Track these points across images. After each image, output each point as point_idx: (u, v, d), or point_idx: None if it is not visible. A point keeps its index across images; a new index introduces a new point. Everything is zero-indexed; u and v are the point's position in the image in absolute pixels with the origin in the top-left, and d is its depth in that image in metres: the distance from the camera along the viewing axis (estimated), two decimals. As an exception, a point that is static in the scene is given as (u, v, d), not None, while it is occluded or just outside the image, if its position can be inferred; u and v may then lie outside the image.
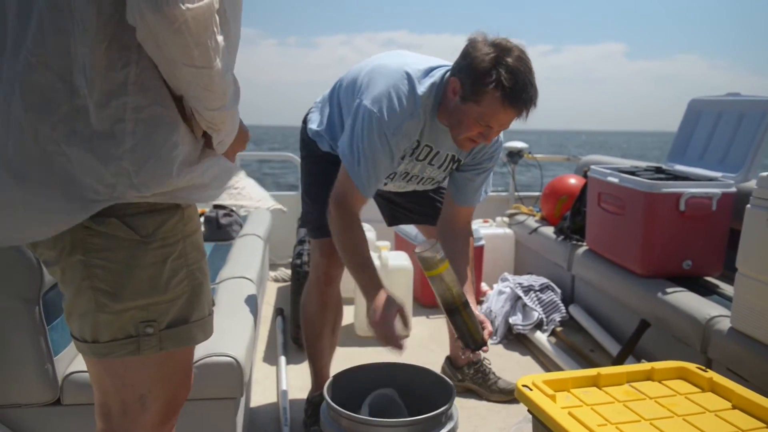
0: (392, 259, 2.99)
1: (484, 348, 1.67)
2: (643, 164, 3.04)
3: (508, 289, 3.06)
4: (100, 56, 0.87)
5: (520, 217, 3.73)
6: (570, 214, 3.19)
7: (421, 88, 1.68)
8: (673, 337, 2.21)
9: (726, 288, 2.37)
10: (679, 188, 2.35)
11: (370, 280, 1.71)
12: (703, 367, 1.47)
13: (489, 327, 1.70)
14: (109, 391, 1.05)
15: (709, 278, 2.51)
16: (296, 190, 4.35)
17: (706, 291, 2.34)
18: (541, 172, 4.04)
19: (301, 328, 2.15)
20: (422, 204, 2.16)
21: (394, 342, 1.58)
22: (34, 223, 0.92)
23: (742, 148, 2.58)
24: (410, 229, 3.42)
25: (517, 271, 3.66)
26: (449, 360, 2.46)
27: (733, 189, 2.40)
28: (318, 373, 2.12)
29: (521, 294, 2.99)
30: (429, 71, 1.71)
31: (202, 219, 3.57)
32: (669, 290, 2.29)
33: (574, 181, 3.45)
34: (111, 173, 0.89)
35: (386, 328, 1.59)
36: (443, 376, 1.64)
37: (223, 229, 3.33)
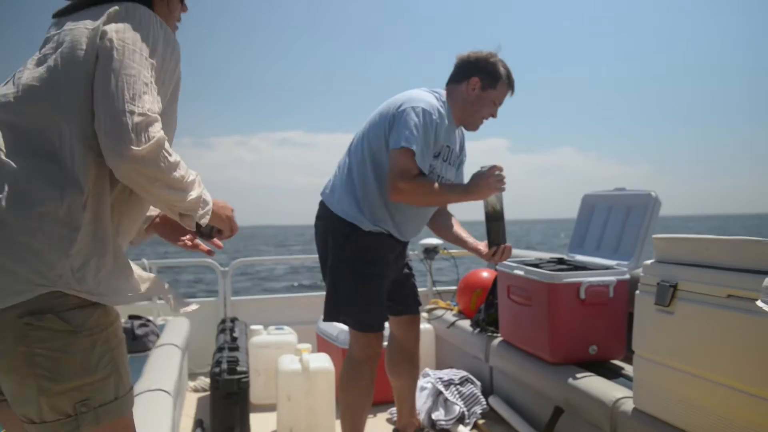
0: (314, 362, 2.97)
1: (508, 244, 2.39)
2: (546, 256, 3.22)
3: (429, 385, 3.09)
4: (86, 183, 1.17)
5: (439, 312, 3.82)
6: (484, 306, 3.29)
7: (437, 94, 2.37)
8: (585, 421, 2.29)
9: (630, 369, 2.49)
10: (579, 278, 2.51)
11: (458, 186, 2.40)
12: (609, 449, 1.54)
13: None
14: None
15: (614, 361, 2.63)
16: (216, 295, 4.29)
17: (612, 374, 2.45)
18: (456, 266, 4.17)
19: (348, 403, 2.43)
20: (407, 293, 2.60)
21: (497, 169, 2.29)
22: None
23: (631, 238, 2.80)
24: (331, 330, 3.43)
25: (439, 365, 3.70)
26: None
27: (627, 276, 2.59)
28: None
29: (442, 389, 3.02)
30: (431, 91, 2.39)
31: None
32: (578, 376, 2.39)
33: (486, 274, 3.58)
34: (60, 266, 1.11)
35: (490, 175, 2.27)
36: None
37: (138, 340, 3.24)
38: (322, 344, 3.52)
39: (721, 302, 1.71)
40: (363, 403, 2.42)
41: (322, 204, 2.43)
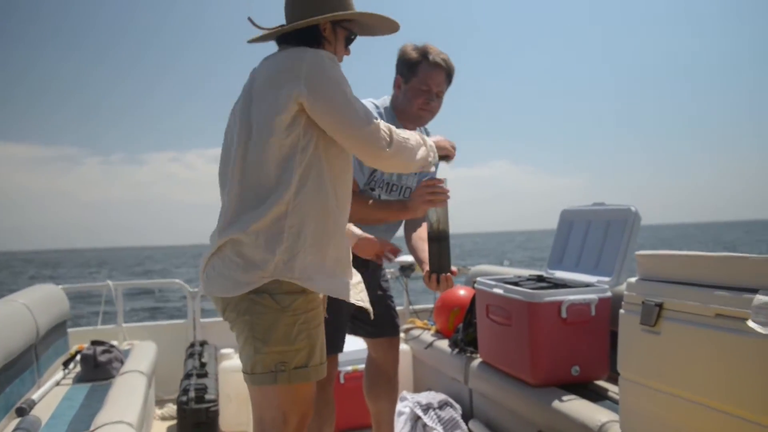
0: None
1: (453, 269, 2.12)
2: (525, 273, 3.16)
3: (407, 409, 3.00)
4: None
5: (416, 332, 3.73)
6: (462, 326, 3.22)
7: (376, 101, 2.32)
8: (569, 446, 2.22)
9: (614, 390, 2.43)
10: (560, 296, 2.45)
11: (394, 203, 2.25)
12: (598, 480, 1.46)
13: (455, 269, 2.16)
14: (263, 409, 1.63)
15: (598, 382, 2.57)
16: (184, 317, 4.15)
17: (597, 396, 2.39)
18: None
19: None
20: (382, 314, 2.48)
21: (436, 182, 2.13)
22: (230, 288, 1.60)
23: (611, 254, 2.74)
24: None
25: (416, 388, 3.61)
26: None
27: (609, 293, 2.53)
28: None
29: (420, 413, 2.92)
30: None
31: (78, 357, 3.30)
32: (561, 398, 2.32)
33: (464, 292, 3.51)
34: (274, 261, 1.58)
35: (422, 187, 2.12)
36: None
37: (101, 367, 3.10)
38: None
39: (710, 322, 1.65)
40: (318, 428, 2.32)
41: None
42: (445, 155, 1.98)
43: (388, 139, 1.67)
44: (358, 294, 1.78)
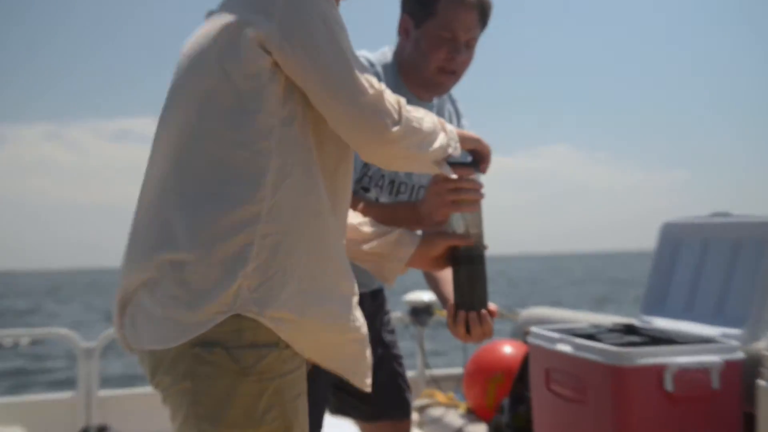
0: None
1: (492, 307, 2.06)
2: (608, 320, 3.15)
3: None
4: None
5: (436, 411, 3.75)
6: (508, 402, 3.22)
7: (371, 55, 2.35)
8: None
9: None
10: (662, 357, 2.44)
11: (401, 207, 2.31)
12: None
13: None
14: None
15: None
16: (73, 387, 4.14)
17: None
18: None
19: None
20: (382, 386, 2.35)
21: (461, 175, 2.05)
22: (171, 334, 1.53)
23: (743, 292, 2.73)
24: None
25: (437, 498, 3.61)
26: None
27: (740, 354, 2.51)
28: None
29: None
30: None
31: None
32: None
33: (510, 349, 3.52)
34: (235, 286, 1.52)
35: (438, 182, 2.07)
36: None
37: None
38: None
39: None
40: None
41: None
42: (476, 152, 1.96)
43: (395, 115, 1.65)
44: None
